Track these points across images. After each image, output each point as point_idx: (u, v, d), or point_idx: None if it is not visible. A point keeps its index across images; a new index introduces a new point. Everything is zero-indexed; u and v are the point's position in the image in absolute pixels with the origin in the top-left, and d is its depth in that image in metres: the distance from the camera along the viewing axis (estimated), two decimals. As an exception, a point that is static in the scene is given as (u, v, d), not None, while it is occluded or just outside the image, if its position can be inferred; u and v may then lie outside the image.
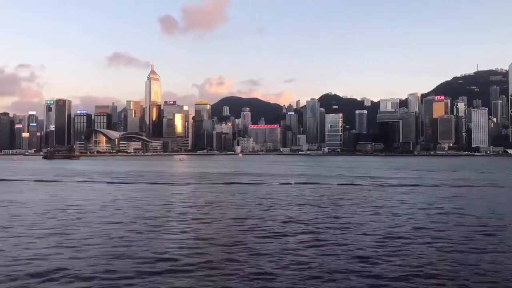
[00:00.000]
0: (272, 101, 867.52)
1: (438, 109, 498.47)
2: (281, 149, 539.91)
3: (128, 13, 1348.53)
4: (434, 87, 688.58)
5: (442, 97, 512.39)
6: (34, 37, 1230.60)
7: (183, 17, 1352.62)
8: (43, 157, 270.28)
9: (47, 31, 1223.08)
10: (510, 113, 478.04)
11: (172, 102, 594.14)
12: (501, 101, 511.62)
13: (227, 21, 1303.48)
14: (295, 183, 60.17)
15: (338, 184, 58.36)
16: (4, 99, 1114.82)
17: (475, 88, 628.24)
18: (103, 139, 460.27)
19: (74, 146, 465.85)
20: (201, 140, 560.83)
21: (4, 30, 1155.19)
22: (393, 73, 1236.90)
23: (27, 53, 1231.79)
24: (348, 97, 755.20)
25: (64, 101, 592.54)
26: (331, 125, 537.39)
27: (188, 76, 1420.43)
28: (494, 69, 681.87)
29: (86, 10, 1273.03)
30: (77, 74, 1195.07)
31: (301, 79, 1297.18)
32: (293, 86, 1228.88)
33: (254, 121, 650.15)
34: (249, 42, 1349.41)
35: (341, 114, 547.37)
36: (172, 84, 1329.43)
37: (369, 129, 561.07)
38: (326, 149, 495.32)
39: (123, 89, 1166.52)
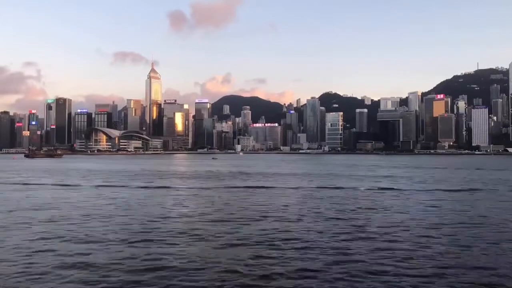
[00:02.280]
0: (275, 100, 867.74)
1: (439, 108, 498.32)
2: (281, 147, 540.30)
3: (135, 11, 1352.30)
4: (434, 85, 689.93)
5: (443, 96, 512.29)
6: (40, 36, 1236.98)
7: (192, 14, 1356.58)
8: (25, 156, 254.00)
9: (53, 29, 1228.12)
10: (510, 111, 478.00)
11: (172, 101, 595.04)
12: (501, 100, 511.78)
13: (236, 20, 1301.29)
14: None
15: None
16: (9, 97, 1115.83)
17: (475, 86, 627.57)
18: (104, 137, 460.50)
19: (75, 145, 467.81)
20: (201, 138, 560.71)
21: (10, 28, 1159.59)
22: (393, 72, 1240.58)
23: (32, 52, 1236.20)
24: (349, 95, 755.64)
25: (64, 99, 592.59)
26: (331, 124, 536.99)
27: (191, 75, 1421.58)
28: (494, 67, 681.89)
29: (92, 9, 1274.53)
30: (83, 72, 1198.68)
31: (301, 78, 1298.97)
32: (294, 85, 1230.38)
33: (255, 119, 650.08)
34: (253, 41, 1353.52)
35: (341, 113, 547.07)
36: (174, 83, 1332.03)
37: (369, 128, 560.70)
38: (326, 148, 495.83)
39: (129, 87, 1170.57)
